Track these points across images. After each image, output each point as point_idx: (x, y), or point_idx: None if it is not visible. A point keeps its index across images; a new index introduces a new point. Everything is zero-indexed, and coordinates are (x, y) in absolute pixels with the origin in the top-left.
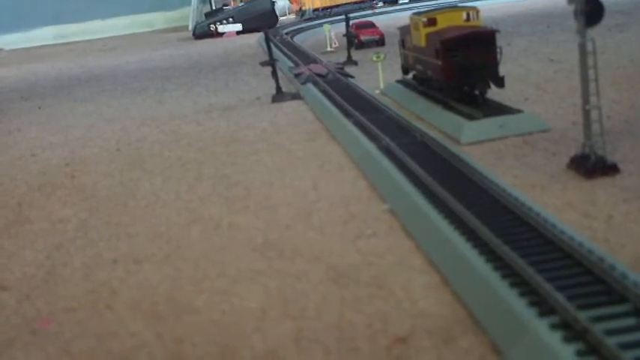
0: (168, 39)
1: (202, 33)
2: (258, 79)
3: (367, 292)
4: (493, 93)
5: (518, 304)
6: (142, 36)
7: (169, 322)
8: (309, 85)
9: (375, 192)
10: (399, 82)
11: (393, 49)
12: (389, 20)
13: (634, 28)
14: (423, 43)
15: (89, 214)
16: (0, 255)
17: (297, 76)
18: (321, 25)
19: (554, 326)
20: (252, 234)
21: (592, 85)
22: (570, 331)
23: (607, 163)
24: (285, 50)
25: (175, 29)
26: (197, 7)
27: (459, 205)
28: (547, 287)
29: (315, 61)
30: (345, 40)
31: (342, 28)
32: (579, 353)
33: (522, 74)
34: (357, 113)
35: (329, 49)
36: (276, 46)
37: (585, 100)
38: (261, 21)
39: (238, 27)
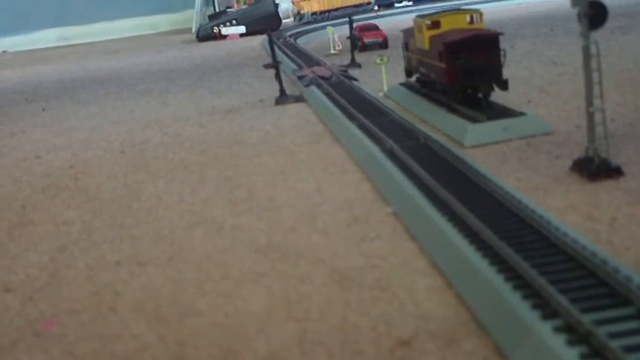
0: (171, 41)
1: (206, 35)
2: (261, 81)
3: (371, 295)
4: (496, 96)
5: (521, 306)
6: (145, 38)
7: (172, 324)
8: (313, 88)
9: (379, 194)
10: (402, 84)
11: (396, 52)
12: (392, 23)
13: (637, 31)
14: (426, 45)
15: (93, 216)
16: (4, 257)
17: (300, 78)
18: (322, 27)
19: (557, 329)
20: (255, 236)
21: (596, 88)
22: (574, 334)
23: (611, 165)
24: (289, 53)
25: (179, 32)
26: (201, 10)
27: (462, 207)
28: (551, 290)
29: (318, 63)
30: (348, 42)
31: (345, 30)
32: (583, 356)
33: (526, 77)
34: (360, 116)
35: (332, 51)
36: (279, 48)
37: (589, 102)
38: (265, 23)
39: (242, 29)
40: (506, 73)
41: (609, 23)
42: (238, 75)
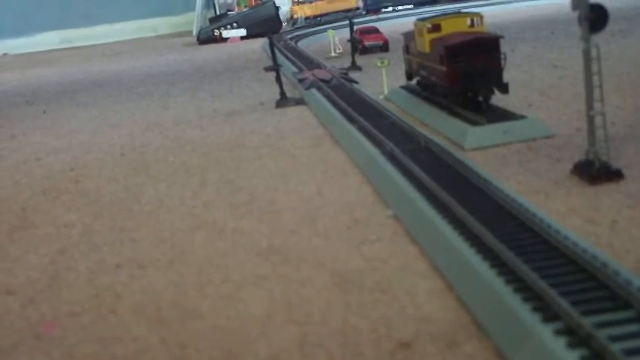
0: (172, 44)
1: (206, 38)
2: (262, 84)
3: (371, 298)
4: (497, 99)
5: (522, 309)
6: (146, 41)
7: (173, 327)
8: (313, 91)
9: (380, 197)
10: (403, 87)
11: (397, 55)
12: (393, 26)
13: (638, 34)
14: (427, 48)
15: (93, 218)
16: (4, 259)
17: (301, 81)
18: (323, 30)
19: (558, 332)
20: (256, 239)
21: (596, 91)
22: (574, 337)
23: (611, 168)
24: (289, 55)
25: (180, 34)
26: (201, 13)
27: (463, 210)
28: (551, 293)
29: (319, 66)
30: (349, 45)
31: (346, 33)
32: (584, 359)
33: (526, 80)
34: (361, 119)
35: (333, 54)
36: (280, 51)
37: (589, 106)
38: (265, 26)
39: (242, 32)
40: (507, 76)
41: (610, 26)
42: (239, 78)
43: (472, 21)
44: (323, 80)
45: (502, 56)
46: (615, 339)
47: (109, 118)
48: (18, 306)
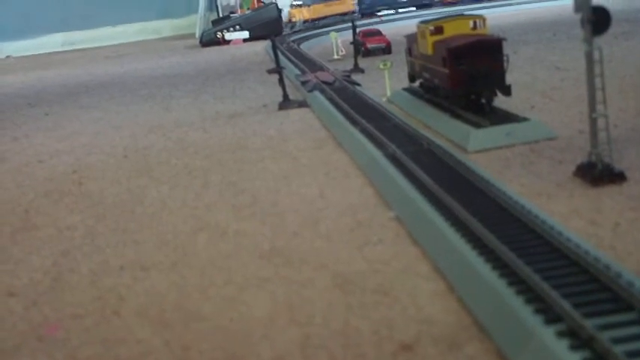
0: (175, 46)
1: (209, 40)
2: (264, 86)
3: (373, 299)
4: (500, 101)
5: (524, 311)
6: (149, 43)
7: (177, 329)
8: (316, 93)
9: (382, 199)
10: (405, 89)
11: (399, 57)
12: (396, 28)
13: None
14: (429, 51)
15: (96, 220)
16: (7, 261)
17: (303, 83)
18: (325, 33)
19: (560, 334)
20: (258, 241)
21: (599, 94)
22: (577, 339)
23: (614, 171)
24: (292, 58)
25: (182, 37)
26: (204, 15)
27: (465, 212)
28: (553, 295)
29: (321, 68)
30: (351, 47)
31: (348, 35)
32: None
33: (529, 82)
34: (363, 121)
35: (336, 56)
36: (282, 53)
37: (592, 108)
38: (268, 29)
39: (245, 34)
40: (510, 78)
41: (612, 29)
42: (242, 80)
43: (475, 23)
44: (325, 82)
45: (504, 58)
46: (617, 341)
47: (112, 120)
48: (21, 308)
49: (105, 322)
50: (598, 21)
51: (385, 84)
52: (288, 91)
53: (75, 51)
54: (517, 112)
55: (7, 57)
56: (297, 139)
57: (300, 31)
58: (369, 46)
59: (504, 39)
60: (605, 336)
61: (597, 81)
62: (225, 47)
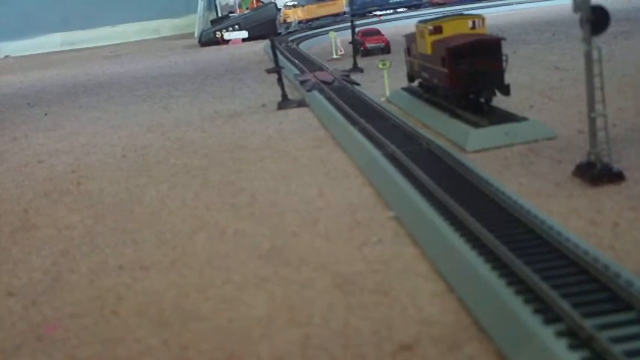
0: (174, 46)
1: (208, 40)
2: (263, 86)
3: (373, 300)
4: (499, 101)
5: (523, 311)
6: (148, 43)
7: (175, 328)
8: (315, 93)
9: (381, 199)
10: (404, 89)
11: (398, 57)
12: (395, 28)
13: (639, 36)
14: (428, 50)
15: (95, 220)
16: (6, 261)
17: (302, 83)
18: (325, 32)
19: (559, 334)
20: (257, 241)
21: (598, 93)
22: (576, 338)
23: (613, 170)
24: (291, 57)
25: (181, 36)
26: (203, 15)
27: (464, 212)
28: (553, 295)
29: (320, 68)
30: (350, 47)
31: (347, 35)
32: None
33: (528, 82)
34: (362, 120)
35: (335, 56)
36: (281, 53)
37: (591, 108)
38: (267, 28)
39: (244, 34)
40: (509, 78)
41: (611, 28)
42: (241, 80)
43: (474, 23)
44: (325, 82)
45: (504, 58)
46: (617, 341)
47: (111, 119)
48: (20, 308)
49: (104, 321)
50: (597, 20)
51: (384, 83)
52: (287, 90)
53: (74, 51)
54: (516, 112)
55: (6, 57)
56: (296, 138)
57: (297, 31)
58: (368, 45)
59: (503, 39)
60: (604, 336)
61: (596, 80)
62: (224, 47)
